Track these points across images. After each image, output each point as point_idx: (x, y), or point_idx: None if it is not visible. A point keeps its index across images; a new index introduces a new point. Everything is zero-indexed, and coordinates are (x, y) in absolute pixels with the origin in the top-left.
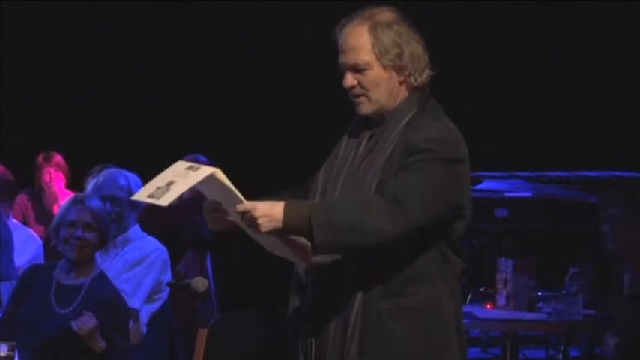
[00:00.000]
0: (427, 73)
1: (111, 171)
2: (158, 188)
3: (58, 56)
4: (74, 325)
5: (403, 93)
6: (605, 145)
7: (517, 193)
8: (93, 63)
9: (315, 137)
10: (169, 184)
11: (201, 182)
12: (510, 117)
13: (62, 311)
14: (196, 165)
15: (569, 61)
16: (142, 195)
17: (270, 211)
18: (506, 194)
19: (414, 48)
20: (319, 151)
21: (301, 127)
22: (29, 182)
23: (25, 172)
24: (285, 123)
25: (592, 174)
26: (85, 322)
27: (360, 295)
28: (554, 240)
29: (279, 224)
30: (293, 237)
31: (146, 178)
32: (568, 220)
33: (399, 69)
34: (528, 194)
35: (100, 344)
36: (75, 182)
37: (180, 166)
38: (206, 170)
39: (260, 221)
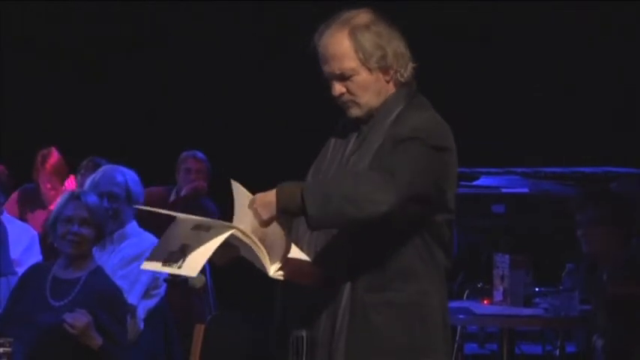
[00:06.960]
0: (410, 66)
1: (108, 167)
2: (171, 253)
3: (56, 54)
4: (67, 318)
5: (390, 89)
6: (601, 140)
7: (513, 189)
8: (90, 61)
9: (313, 135)
10: (183, 249)
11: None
12: (507, 113)
13: (57, 304)
14: (203, 223)
15: (565, 57)
16: (153, 264)
17: (264, 199)
18: (503, 190)
19: (396, 46)
20: (317, 148)
21: (299, 126)
22: (29, 178)
23: (24, 167)
24: (283, 120)
25: (588, 170)
26: (78, 319)
27: (347, 290)
28: (551, 236)
29: (273, 207)
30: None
31: (144, 174)
32: (564, 215)
33: (385, 69)
34: (525, 190)
35: (97, 341)
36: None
37: (185, 225)
38: (222, 231)
39: (259, 210)
